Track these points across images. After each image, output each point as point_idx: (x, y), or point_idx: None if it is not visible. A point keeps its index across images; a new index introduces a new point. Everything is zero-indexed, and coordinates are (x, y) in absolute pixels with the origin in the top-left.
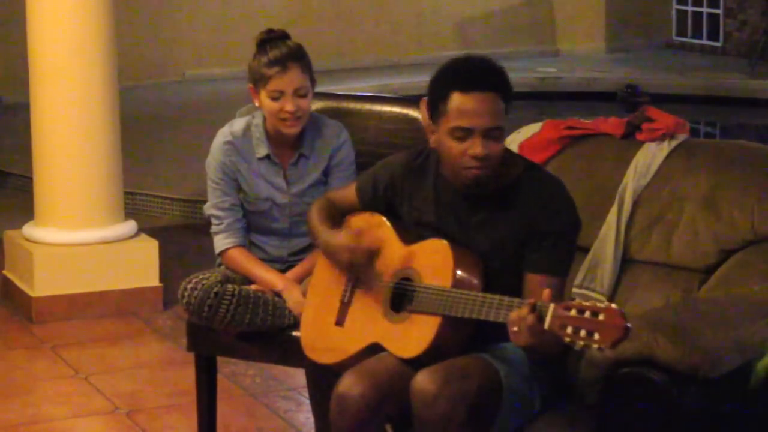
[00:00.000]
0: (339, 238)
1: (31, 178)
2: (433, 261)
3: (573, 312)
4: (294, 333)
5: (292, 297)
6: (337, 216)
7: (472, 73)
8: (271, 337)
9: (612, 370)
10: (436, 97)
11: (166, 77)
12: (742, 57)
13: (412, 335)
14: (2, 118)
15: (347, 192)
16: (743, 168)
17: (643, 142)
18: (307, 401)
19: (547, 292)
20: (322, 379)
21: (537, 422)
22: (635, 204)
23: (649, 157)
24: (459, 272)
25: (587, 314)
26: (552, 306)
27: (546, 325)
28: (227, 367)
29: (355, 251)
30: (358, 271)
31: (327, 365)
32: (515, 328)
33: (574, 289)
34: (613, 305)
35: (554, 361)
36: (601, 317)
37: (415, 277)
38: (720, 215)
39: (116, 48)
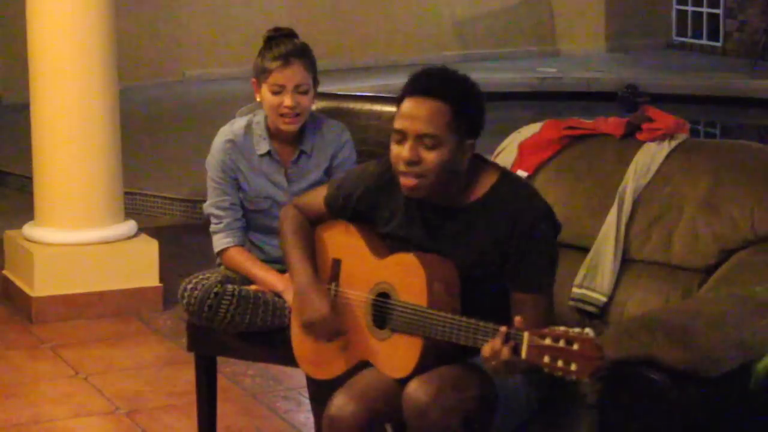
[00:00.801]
0: (315, 298)
1: (31, 178)
2: (407, 277)
3: (548, 340)
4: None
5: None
6: (308, 229)
7: (421, 79)
8: (271, 337)
9: (612, 370)
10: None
11: (166, 77)
12: (742, 57)
13: (398, 355)
14: (2, 118)
15: (314, 199)
16: (743, 168)
17: (643, 142)
18: (307, 401)
19: (518, 319)
20: (322, 381)
21: (537, 422)
22: (635, 204)
23: (649, 157)
24: (433, 289)
25: (561, 343)
26: (527, 335)
27: (523, 355)
28: (227, 367)
29: (321, 328)
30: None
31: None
32: (493, 363)
33: (575, 289)
34: (588, 332)
35: None
36: (575, 347)
37: (391, 292)
38: (720, 215)
39: (116, 48)
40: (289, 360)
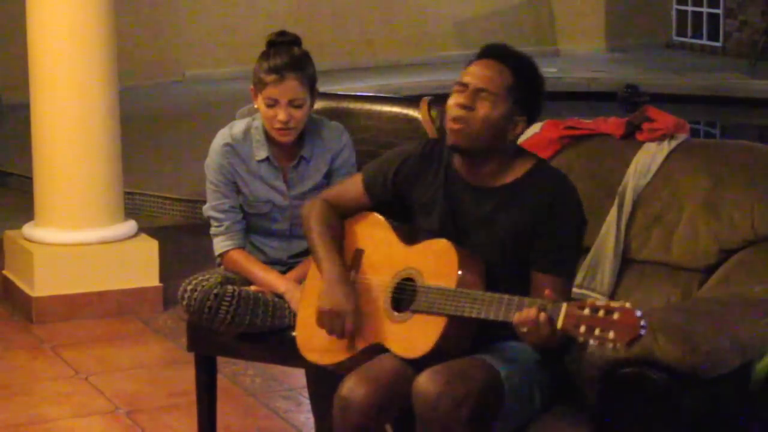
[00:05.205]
0: (340, 293)
1: (31, 178)
2: (437, 261)
3: (587, 311)
4: (294, 333)
5: (296, 298)
6: (336, 220)
7: (493, 47)
8: (271, 337)
9: (612, 370)
10: None
11: (166, 77)
12: (742, 57)
13: (416, 335)
14: (2, 118)
15: (348, 187)
16: (743, 168)
17: (643, 142)
18: (307, 401)
19: (548, 291)
20: (322, 380)
21: (537, 422)
22: (635, 204)
23: (649, 157)
24: (462, 272)
25: (601, 313)
26: (564, 305)
27: (559, 325)
28: (227, 367)
29: (336, 321)
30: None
31: (325, 366)
32: (524, 329)
33: (575, 289)
34: (628, 304)
35: (558, 352)
36: (615, 316)
37: (417, 277)
38: (720, 215)
39: (116, 48)
40: (289, 360)
